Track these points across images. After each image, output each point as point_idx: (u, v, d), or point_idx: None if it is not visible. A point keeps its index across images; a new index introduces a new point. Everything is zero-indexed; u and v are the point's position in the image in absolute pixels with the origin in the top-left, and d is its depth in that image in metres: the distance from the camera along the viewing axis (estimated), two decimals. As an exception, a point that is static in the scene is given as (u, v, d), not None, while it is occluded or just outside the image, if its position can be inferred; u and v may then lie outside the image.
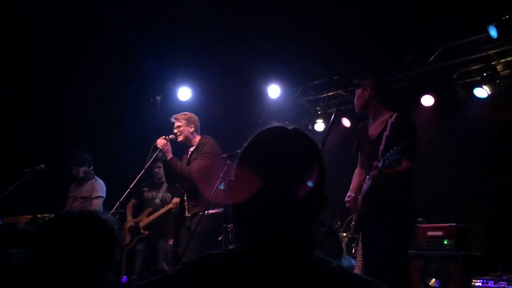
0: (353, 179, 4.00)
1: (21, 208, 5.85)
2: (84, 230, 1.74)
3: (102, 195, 5.99)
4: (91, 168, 6.10)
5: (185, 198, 4.87)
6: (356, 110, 3.98)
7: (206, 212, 4.44)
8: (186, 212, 4.82)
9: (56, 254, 1.67)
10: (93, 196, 5.93)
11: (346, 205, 3.87)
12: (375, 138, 3.73)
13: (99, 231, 1.76)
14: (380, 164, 3.35)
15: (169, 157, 4.75)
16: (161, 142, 4.76)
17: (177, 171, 4.77)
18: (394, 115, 3.73)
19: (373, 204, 3.58)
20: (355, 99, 3.95)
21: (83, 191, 6.01)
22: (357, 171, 4.01)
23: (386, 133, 3.63)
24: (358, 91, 3.88)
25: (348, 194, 3.88)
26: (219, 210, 4.72)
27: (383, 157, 3.35)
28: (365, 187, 3.67)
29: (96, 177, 6.09)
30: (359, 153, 4.03)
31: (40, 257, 1.69)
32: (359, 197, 3.72)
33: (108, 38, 6.46)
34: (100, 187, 6.01)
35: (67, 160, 6.11)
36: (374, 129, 3.81)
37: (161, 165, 5.82)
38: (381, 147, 3.57)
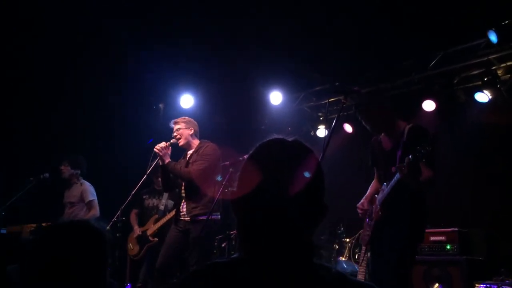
0: (369, 188, 4.02)
1: (26, 217, 5.88)
2: (74, 238, 1.74)
3: (94, 198, 6.01)
4: (78, 172, 6.09)
5: (183, 201, 4.86)
6: (375, 133, 3.89)
7: (210, 217, 4.46)
8: (183, 215, 4.79)
9: (47, 265, 1.67)
10: (86, 201, 5.95)
11: (359, 212, 3.89)
12: (392, 148, 3.72)
13: (90, 238, 1.76)
14: (410, 157, 3.27)
15: (167, 161, 4.74)
16: (159, 146, 4.74)
17: (175, 173, 4.78)
18: (410, 125, 3.72)
19: (391, 209, 3.59)
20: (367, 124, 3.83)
21: (71, 196, 6.03)
22: (373, 183, 4.03)
23: (403, 139, 3.61)
24: (373, 113, 3.78)
25: (362, 201, 3.92)
26: (218, 216, 4.74)
27: (411, 152, 3.29)
28: (380, 195, 3.70)
29: (82, 181, 6.07)
30: (375, 168, 4.03)
31: (32, 269, 1.69)
32: (376, 204, 3.73)
33: (111, 46, 6.50)
34: (89, 190, 6.02)
35: (59, 157, 6.13)
36: (388, 140, 3.80)
37: None
38: (399, 152, 3.56)
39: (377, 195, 3.80)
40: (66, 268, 1.67)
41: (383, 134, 3.87)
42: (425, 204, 3.62)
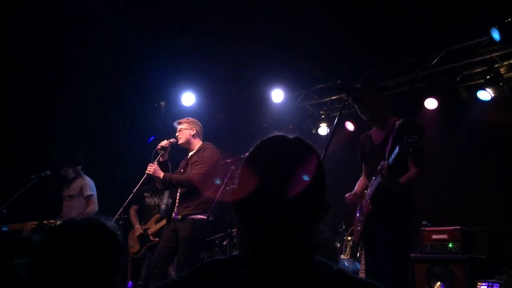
0: (357, 185, 4.01)
1: (27, 215, 5.88)
2: (88, 237, 1.73)
3: (93, 193, 5.99)
4: (79, 167, 6.07)
5: (177, 200, 4.86)
6: (369, 118, 3.87)
7: (195, 216, 4.54)
8: (175, 213, 4.78)
9: (61, 262, 1.66)
10: (84, 195, 5.92)
11: (346, 200, 3.88)
12: (381, 141, 3.71)
13: (103, 238, 1.75)
14: (397, 149, 3.27)
15: (161, 176, 4.76)
16: (149, 168, 4.76)
17: (175, 183, 4.80)
18: (401, 120, 3.72)
19: (380, 203, 3.58)
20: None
21: (70, 190, 6.00)
22: (361, 179, 4.02)
23: (393, 134, 3.60)
24: (358, 110, 3.81)
25: (350, 193, 3.91)
26: (208, 216, 4.62)
27: (398, 143, 3.27)
28: (369, 190, 3.69)
29: (84, 176, 6.06)
30: (363, 164, 4.02)
31: (44, 266, 1.68)
32: (366, 199, 3.72)
33: (113, 44, 6.50)
34: (89, 185, 6.00)
35: (56, 162, 6.09)
36: (378, 134, 3.80)
37: None
38: (388, 147, 3.55)
39: (366, 190, 3.79)
40: (78, 268, 1.66)
41: (374, 128, 3.86)
42: (413, 203, 3.60)
